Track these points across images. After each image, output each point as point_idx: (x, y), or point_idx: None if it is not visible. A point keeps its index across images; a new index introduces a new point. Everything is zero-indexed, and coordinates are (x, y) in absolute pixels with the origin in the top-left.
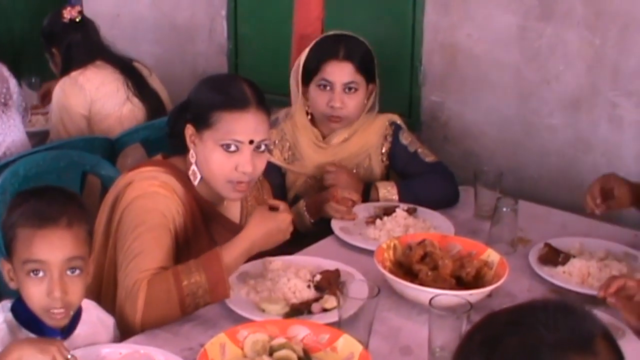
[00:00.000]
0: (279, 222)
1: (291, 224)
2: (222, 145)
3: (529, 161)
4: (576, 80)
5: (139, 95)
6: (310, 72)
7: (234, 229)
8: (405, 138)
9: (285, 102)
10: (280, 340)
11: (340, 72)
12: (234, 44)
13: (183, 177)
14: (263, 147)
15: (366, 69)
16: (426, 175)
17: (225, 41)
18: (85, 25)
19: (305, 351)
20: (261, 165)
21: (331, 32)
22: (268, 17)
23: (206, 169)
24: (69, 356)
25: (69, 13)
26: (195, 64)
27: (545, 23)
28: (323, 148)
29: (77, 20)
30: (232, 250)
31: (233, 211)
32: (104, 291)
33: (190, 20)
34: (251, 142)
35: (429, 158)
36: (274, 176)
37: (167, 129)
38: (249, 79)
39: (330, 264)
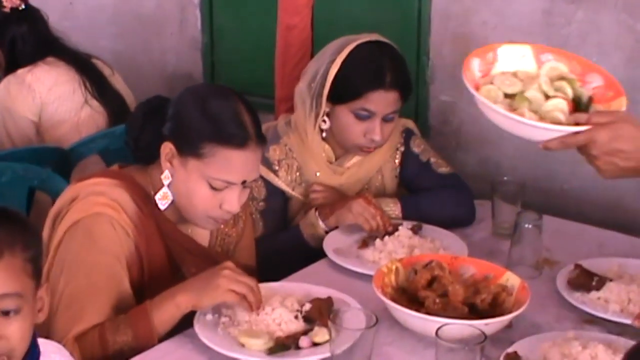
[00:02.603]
0: (215, 269)
1: (230, 270)
2: (209, 182)
3: (557, 170)
4: (612, 73)
5: (99, 98)
6: (344, 94)
7: (202, 254)
8: (417, 146)
9: (269, 106)
10: None
11: (385, 102)
12: (210, 38)
13: (139, 192)
14: (250, 185)
15: (408, 92)
16: (436, 190)
17: (199, 34)
18: (31, 15)
19: None
20: (244, 199)
21: (365, 39)
22: (249, 6)
23: (185, 199)
24: None
25: (10, 1)
26: (164, 61)
27: (576, 6)
28: (337, 172)
29: (21, 9)
30: (161, 303)
31: (200, 233)
32: None
33: (157, 9)
34: (244, 182)
35: (443, 169)
36: (276, 200)
37: (128, 137)
38: (247, 101)
39: (321, 291)
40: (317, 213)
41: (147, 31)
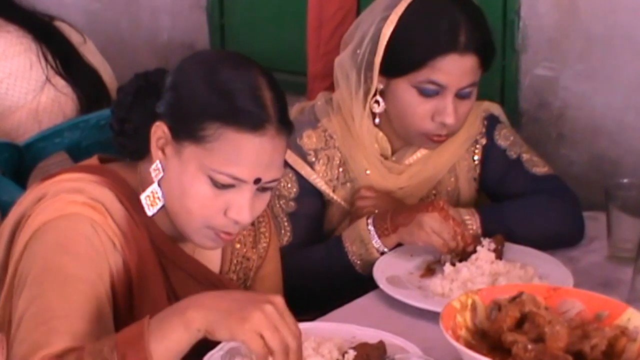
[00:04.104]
0: (256, 295)
1: (276, 307)
2: (211, 177)
3: None
4: None
5: (65, 75)
6: (403, 62)
7: (210, 282)
8: (504, 137)
9: (299, 85)
10: None
11: (459, 71)
12: None
13: (128, 193)
14: (270, 187)
15: (490, 57)
16: (529, 197)
17: None
18: None
19: None
20: (260, 207)
21: None
22: None
23: (178, 200)
24: None
25: None
26: (156, 26)
27: None
28: (393, 170)
29: None
30: (165, 319)
31: (209, 254)
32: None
33: None
34: (257, 181)
35: (539, 169)
36: (311, 201)
37: (114, 118)
38: (272, 78)
39: (370, 334)
40: (370, 225)
41: None
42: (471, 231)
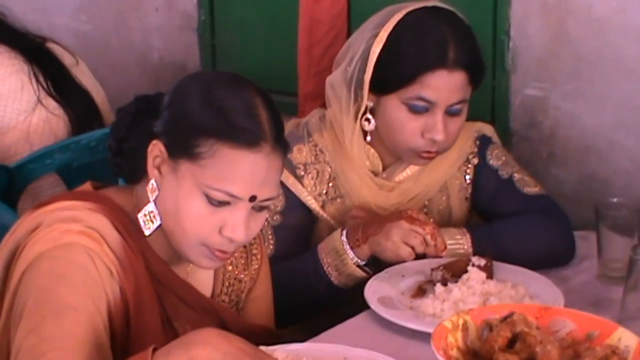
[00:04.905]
0: (257, 350)
1: None
2: (206, 194)
3: None
4: None
5: (57, 96)
6: (392, 79)
7: (202, 307)
8: (496, 157)
9: (290, 106)
10: None
11: (448, 87)
12: (209, 14)
13: (123, 219)
14: (266, 205)
15: (479, 74)
16: (521, 216)
17: (194, 9)
18: None
19: None
20: (257, 227)
21: (418, 5)
22: None
23: (173, 218)
24: None
25: None
26: (147, 46)
27: None
28: (384, 187)
29: None
30: (169, 355)
31: (201, 277)
32: None
33: None
34: (252, 198)
35: (530, 189)
36: (296, 213)
37: (112, 138)
38: (269, 98)
39: (362, 355)
40: (344, 236)
41: (123, 5)
42: (462, 251)
